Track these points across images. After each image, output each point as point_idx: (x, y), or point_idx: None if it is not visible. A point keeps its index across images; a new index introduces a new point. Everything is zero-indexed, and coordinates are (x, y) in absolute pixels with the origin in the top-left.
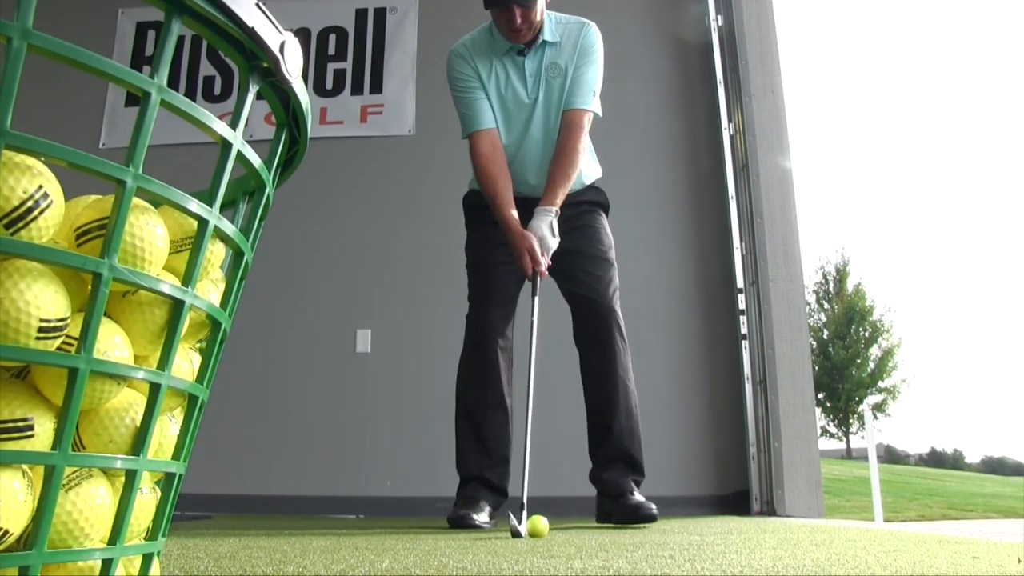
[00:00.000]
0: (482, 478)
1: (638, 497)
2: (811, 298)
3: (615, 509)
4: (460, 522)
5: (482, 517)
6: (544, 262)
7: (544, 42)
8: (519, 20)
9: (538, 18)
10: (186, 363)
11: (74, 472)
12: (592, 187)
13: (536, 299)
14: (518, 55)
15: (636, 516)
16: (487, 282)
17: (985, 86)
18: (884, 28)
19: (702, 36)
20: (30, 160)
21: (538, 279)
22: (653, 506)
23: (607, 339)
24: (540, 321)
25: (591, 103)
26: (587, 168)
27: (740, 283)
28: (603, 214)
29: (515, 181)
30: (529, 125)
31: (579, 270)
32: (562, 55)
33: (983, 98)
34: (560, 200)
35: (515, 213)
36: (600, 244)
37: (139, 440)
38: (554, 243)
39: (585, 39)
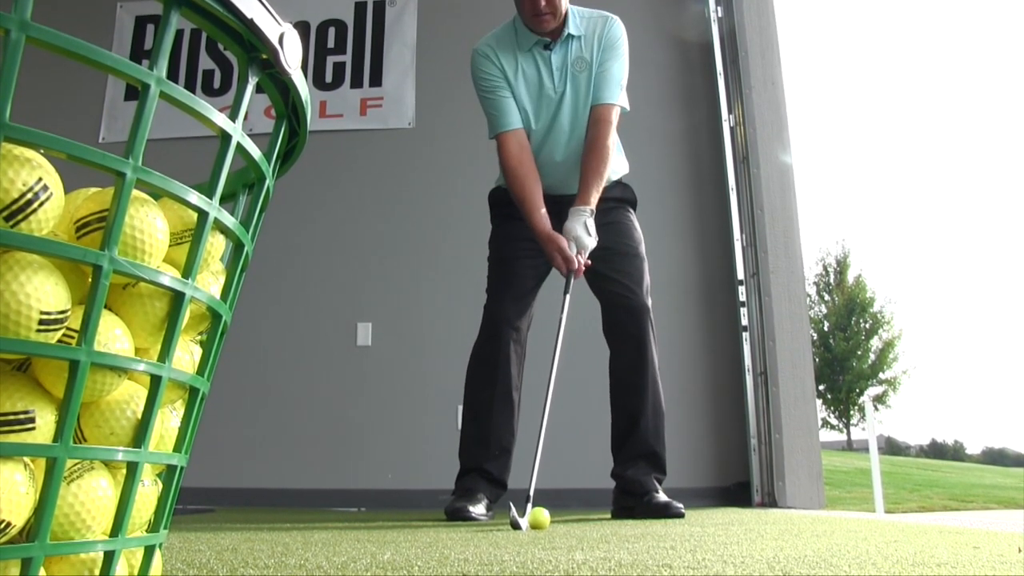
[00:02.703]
0: (481, 469)
1: (664, 497)
2: (811, 290)
3: (640, 507)
4: (457, 514)
5: (479, 509)
6: (580, 261)
7: (569, 35)
8: (543, 2)
9: (562, 7)
10: (187, 355)
11: (76, 464)
12: (619, 183)
13: (567, 296)
14: (544, 49)
15: (665, 514)
16: (506, 275)
17: (986, 79)
18: (886, 22)
19: (702, 30)
20: (29, 152)
21: (571, 277)
22: (680, 505)
23: (641, 337)
24: (546, 316)
25: (618, 97)
26: (614, 163)
27: (741, 275)
28: (631, 210)
29: (541, 175)
30: (555, 119)
31: (610, 268)
32: (587, 49)
33: (984, 91)
34: (594, 199)
35: (544, 214)
36: (630, 240)
37: (140, 432)
38: (591, 242)
39: (610, 32)
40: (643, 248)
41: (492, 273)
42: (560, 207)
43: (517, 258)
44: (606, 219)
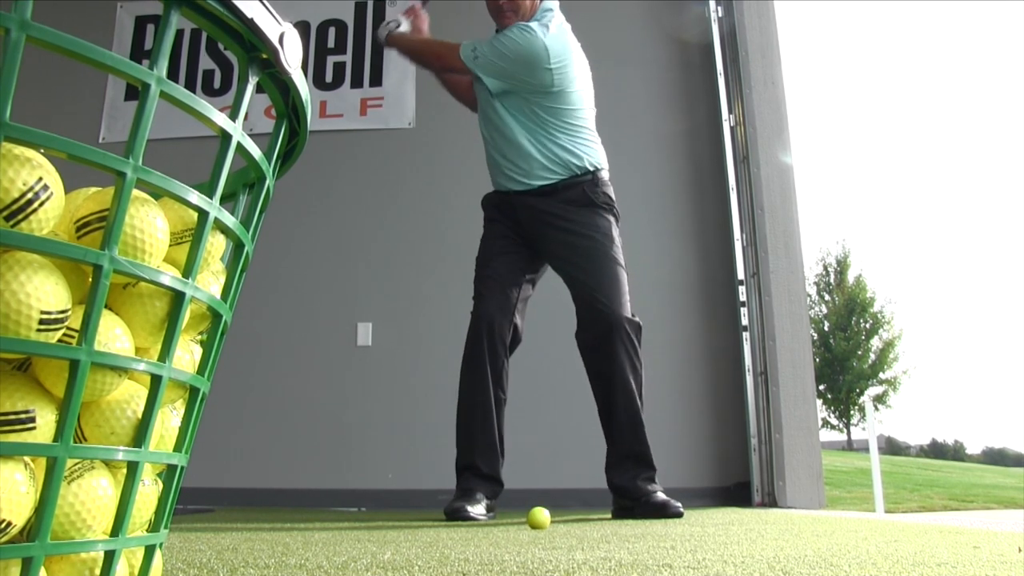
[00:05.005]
0: (472, 466)
1: (661, 496)
2: (812, 290)
3: (639, 507)
4: (456, 514)
5: (478, 509)
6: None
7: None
8: None
9: (527, 4)
10: (187, 355)
11: (76, 464)
12: (593, 176)
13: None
14: None
15: (663, 513)
16: (484, 275)
17: (985, 79)
18: (886, 22)
19: (702, 30)
20: (30, 152)
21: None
22: (679, 504)
23: (607, 345)
24: (548, 316)
25: (466, 45)
26: (580, 150)
27: (741, 275)
28: (603, 209)
29: (495, 171)
30: (492, 116)
31: (581, 273)
32: None
33: (984, 91)
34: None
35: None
36: (599, 243)
37: (141, 432)
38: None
39: (516, 26)
40: (616, 251)
41: (475, 275)
42: (525, 203)
43: (494, 256)
44: (575, 220)
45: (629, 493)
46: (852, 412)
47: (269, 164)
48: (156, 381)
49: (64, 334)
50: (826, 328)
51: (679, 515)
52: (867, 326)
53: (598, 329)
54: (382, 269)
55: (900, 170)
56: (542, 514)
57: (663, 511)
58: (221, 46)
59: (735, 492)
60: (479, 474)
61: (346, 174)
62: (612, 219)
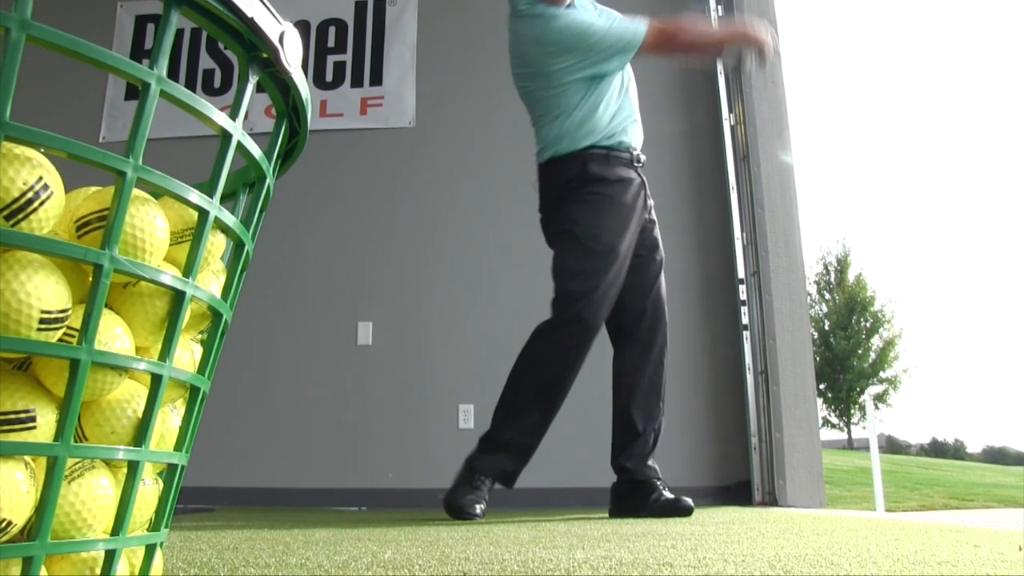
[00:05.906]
0: (527, 449)
1: (669, 494)
2: (812, 289)
3: (646, 506)
4: (459, 513)
5: (482, 507)
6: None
7: None
8: None
9: None
10: (187, 354)
11: (76, 463)
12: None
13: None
14: None
15: (675, 510)
16: (615, 275)
17: (986, 79)
18: (887, 21)
19: None
20: (30, 151)
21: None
22: (688, 499)
23: (664, 342)
24: (546, 314)
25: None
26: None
27: (741, 274)
28: None
29: (632, 127)
30: (624, 77)
31: (653, 274)
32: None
33: (985, 90)
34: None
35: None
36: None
37: (141, 431)
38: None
39: None
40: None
41: (599, 264)
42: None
43: (628, 243)
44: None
45: (649, 482)
46: (852, 411)
47: (269, 163)
48: (156, 380)
49: (64, 333)
50: (826, 327)
51: (690, 510)
52: (867, 325)
53: (663, 319)
54: (382, 268)
55: (901, 169)
56: None
57: (675, 506)
58: (221, 45)
59: (735, 491)
60: (523, 458)
61: (346, 174)
62: None
